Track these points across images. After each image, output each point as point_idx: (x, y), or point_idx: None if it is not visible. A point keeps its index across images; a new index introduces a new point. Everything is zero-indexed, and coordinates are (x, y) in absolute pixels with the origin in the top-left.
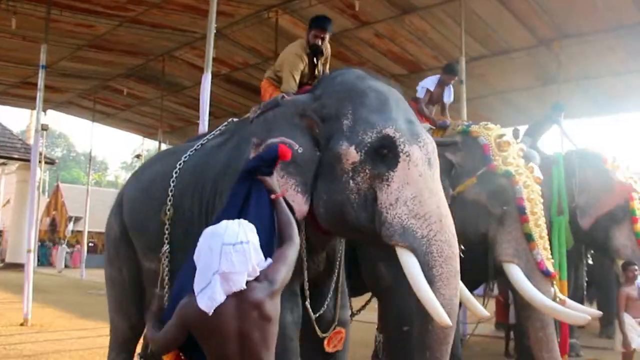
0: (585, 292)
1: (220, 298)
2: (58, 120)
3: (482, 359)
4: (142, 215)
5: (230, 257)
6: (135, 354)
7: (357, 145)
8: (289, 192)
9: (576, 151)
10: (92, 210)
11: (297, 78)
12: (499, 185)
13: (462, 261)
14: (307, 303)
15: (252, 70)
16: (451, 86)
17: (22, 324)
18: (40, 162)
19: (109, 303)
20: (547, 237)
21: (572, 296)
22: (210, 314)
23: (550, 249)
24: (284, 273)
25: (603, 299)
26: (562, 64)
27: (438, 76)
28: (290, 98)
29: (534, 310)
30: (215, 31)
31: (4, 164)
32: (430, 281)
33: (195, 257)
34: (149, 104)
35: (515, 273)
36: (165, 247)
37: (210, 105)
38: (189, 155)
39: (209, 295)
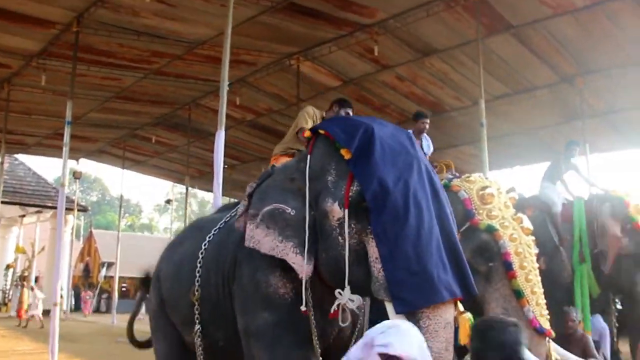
0: (615, 338)
1: None
2: (93, 165)
3: None
4: (175, 293)
5: None
6: None
7: (339, 200)
8: (289, 255)
9: (598, 195)
10: (124, 255)
11: (311, 123)
12: (483, 241)
13: None
14: None
15: (277, 115)
16: (426, 136)
17: None
18: (72, 209)
19: None
20: (541, 291)
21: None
22: None
23: (574, 297)
24: None
25: (634, 342)
26: (586, 99)
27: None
28: (281, 165)
29: None
30: (238, 79)
31: (39, 212)
32: None
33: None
34: (176, 151)
35: None
36: (197, 327)
37: (238, 150)
38: (212, 234)
39: None
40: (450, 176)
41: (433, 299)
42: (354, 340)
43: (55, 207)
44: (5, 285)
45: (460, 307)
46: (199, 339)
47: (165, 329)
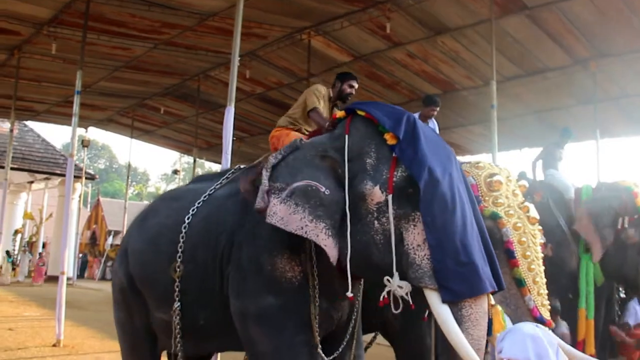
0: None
1: None
2: (101, 132)
3: None
4: (150, 268)
5: None
6: None
7: (382, 184)
8: (320, 237)
9: (606, 183)
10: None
11: (322, 104)
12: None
13: None
14: (320, 350)
15: (286, 89)
16: (434, 120)
17: (54, 345)
18: (80, 177)
19: (120, 345)
20: (543, 281)
21: (603, 332)
22: None
23: (579, 287)
24: None
25: None
26: (599, 83)
27: (418, 113)
28: (309, 140)
29: None
30: (248, 52)
31: (47, 179)
32: (459, 322)
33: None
34: (185, 122)
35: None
36: (176, 305)
37: (247, 123)
38: (197, 207)
39: None
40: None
41: (478, 290)
42: (351, 324)
43: (63, 175)
44: (14, 250)
45: (492, 299)
46: (178, 317)
47: (134, 305)
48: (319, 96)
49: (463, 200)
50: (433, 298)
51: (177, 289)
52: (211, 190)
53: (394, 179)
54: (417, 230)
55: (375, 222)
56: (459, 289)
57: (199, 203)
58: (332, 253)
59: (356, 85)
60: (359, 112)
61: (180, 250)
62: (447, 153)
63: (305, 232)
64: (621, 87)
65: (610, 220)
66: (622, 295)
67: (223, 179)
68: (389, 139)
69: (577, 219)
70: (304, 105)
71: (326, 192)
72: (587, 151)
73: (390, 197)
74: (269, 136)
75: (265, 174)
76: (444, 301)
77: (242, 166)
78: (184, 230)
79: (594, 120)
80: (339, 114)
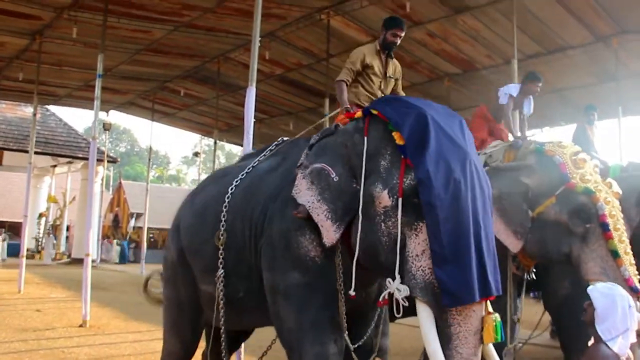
0: None
1: (625, 351)
2: (122, 116)
3: None
4: (197, 239)
5: (634, 319)
6: None
7: (390, 189)
8: (320, 217)
9: (634, 163)
10: (152, 206)
11: (354, 70)
12: (580, 203)
13: None
14: (346, 335)
15: (306, 70)
16: (531, 97)
17: (80, 325)
18: (102, 160)
19: (164, 321)
20: (630, 253)
21: None
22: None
23: None
24: None
25: None
26: (621, 61)
27: (520, 84)
28: (344, 127)
29: None
30: (268, 33)
31: (70, 162)
32: (448, 339)
33: (600, 305)
34: (205, 104)
35: None
36: (220, 272)
37: (266, 104)
38: (240, 178)
39: (623, 344)
40: (539, 142)
41: (480, 293)
42: (375, 314)
43: (86, 158)
44: (39, 233)
45: (489, 307)
46: (221, 285)
47: (183, 278)
48: (355, 61)
49: (470, 206)
50: (421, 311)
51: (220, 257)
52: (255, 162)
53: (404, 185)
54: (419, 240)
55: (382, 224)
56: (461, 294)
57: (242, 175)
58: (329, 235)
59: (402, 34)
60: (373, 112)
61: (223, 219)
62: (462, 156)
63: (309, 207)
64: None
65: (635, 200)
66: None
67: (265, 152)
68: (397, 139)
69: None
70: (345, 67)
71: (335, 179)
72: (609, 129)
73: (400, 200)
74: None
75: (304, 153)
76: (444, 306)
77: (285, 138)
78: (226, 200)
79: (616, 98)
80: (357, 114)
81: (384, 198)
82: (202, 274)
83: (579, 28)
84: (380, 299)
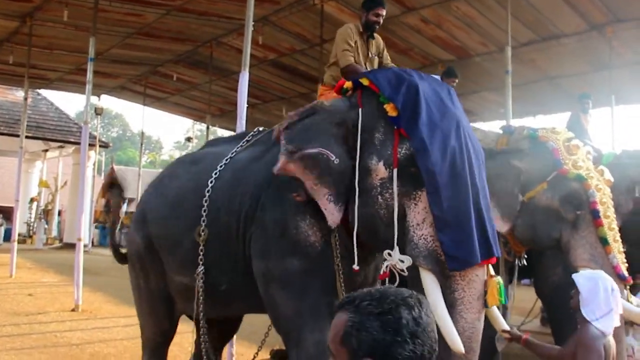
0: None
1: (610, 329)
2: (114, 100)
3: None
4: (172, 232)
5: (617, 301)
6: None
7: (385, 160)
8: (322, 200)
9: (628, 152)
10: None
11: (352, 47)
12: (572, 190)
13: None
14: None
15: (299, 55)
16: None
17: (73, 310)
18: (94, 145)
19: (137, 308)
20: (619, 240)
21: None
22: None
23: None
24: None
25: None
26: (615, 49)
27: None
28: (328, 105)
29: None
30: (261, 18)
31: (61, 147)
32: (452, 305)
33: (584, 289)
34: (198, 89)
35: None
36: (200, 269)
37: (259, 89)
38: (219, 170)
39: (608, 324)
40: (533, 128)
41: (483, 256)
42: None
43: (77, 143)
44: (30, 218)
45: (491, 270)
46: (201, 281)
47: (152, 268)
48: (350, 42)
49: (467, 172)
50: (426, 278)
51: (201, 253)
52: (232, 153)
53: (398, 155)
54: (418, 208)
55: (379, 197)
56: (466, 257)
57: (221, 166)
58: (332, 218)
59: (383, 13)
60: (363, 81)
61: (204, 214)
62: (454, 122)
63: (312, 192)
64: (637, 53)
65: (625, 188)
66: None
67: (243, 142)
68: (390, 110)
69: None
70: (336, 60)
71: (336, 161)
72: (602, 118)
73: (395, 171)
74: (317, 94)
75: (283, 136)
76: (451, 270)
77: (260, 129)
78: (207, 194)
79: (609, 86)
80: (346, 84)
81: (380, 170)
82: (177, 267)
83: (573, 16)
84: (381, 272)
